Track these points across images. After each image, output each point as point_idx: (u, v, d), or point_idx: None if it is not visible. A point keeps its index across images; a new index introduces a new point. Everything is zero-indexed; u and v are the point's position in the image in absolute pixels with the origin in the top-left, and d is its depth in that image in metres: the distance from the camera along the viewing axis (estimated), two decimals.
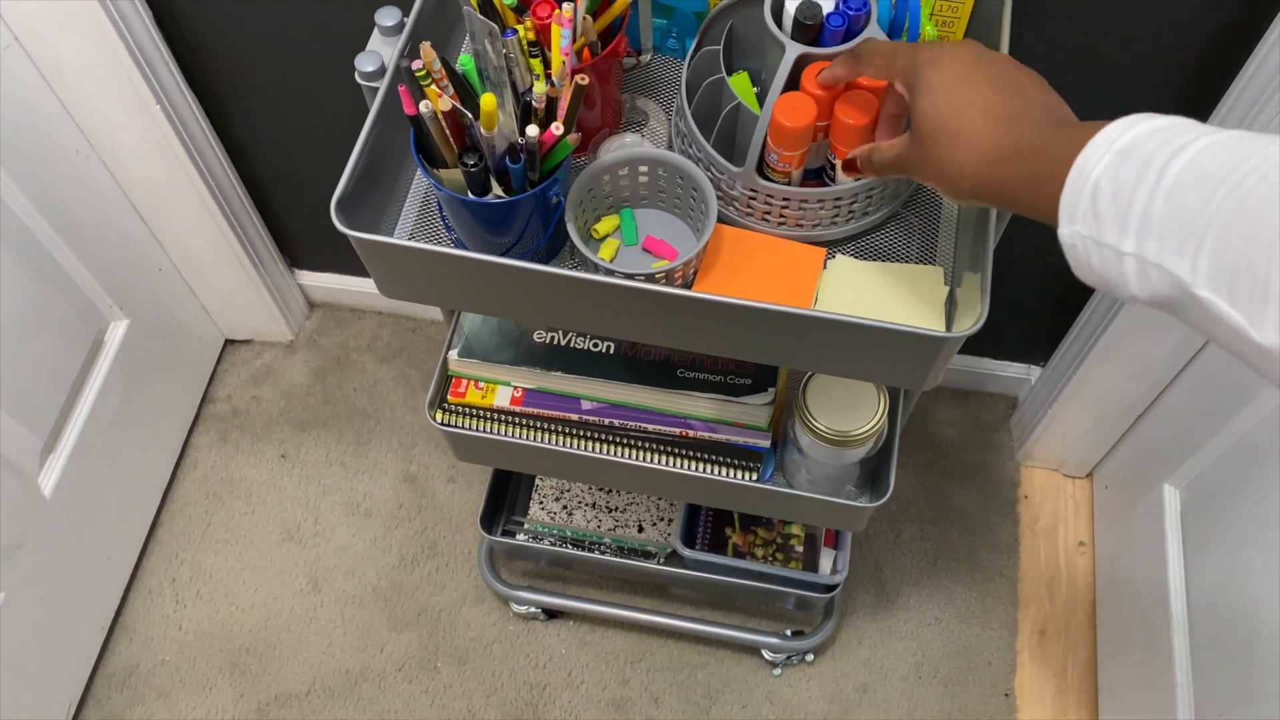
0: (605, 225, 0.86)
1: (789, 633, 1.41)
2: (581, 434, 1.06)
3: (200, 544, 1.55)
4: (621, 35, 0.81)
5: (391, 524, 1.57)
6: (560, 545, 1.38)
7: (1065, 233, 0.52)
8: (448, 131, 0.71)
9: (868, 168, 0.72)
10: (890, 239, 0.85)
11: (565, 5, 0.71)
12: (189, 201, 1.39)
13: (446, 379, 1.07)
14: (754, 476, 1.04)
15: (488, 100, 0.72)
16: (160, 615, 1.50)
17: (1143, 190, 0.47)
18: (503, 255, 0.80)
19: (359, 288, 1.70)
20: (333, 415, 1.65)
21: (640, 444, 1.05)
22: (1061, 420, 1.47)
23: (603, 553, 1.37)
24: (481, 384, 1.07)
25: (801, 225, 0.83)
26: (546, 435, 1.06)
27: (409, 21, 0.83)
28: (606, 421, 1.05)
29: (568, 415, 1.05)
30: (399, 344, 1.71)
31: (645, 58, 0.93)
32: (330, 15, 1.17)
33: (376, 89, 0.81)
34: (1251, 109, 0.96)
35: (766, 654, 1.43)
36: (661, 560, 1.36)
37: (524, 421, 1.06)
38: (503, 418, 1.06)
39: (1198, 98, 1.04)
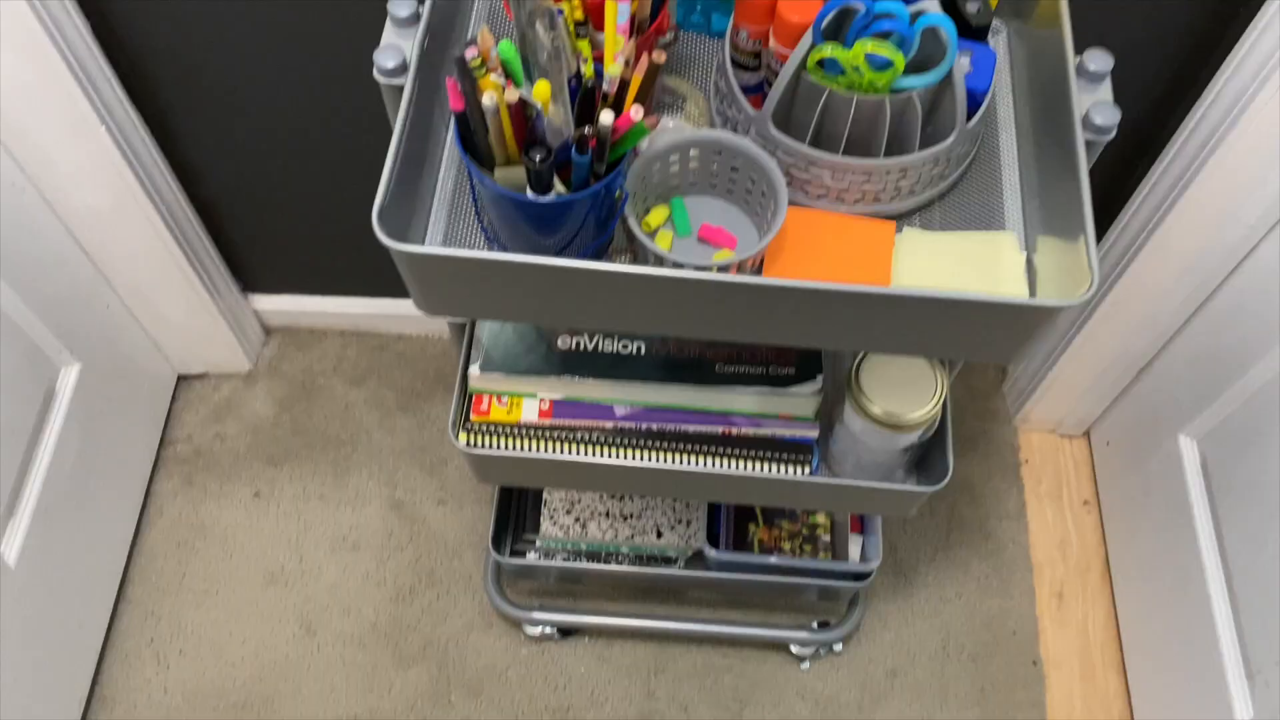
0: (655, 217, 0.79)
1: (815, 625, 1.37)
2: (618, 442, 0.99)
3: (176, 598, 1.44)
4: (665, 10, 0.74)
5: (383, 555, 1.48)
6: (575, 560, 1.31)
7: None
8: (508, 126, 0.64)
9: None
10: (954, 207, 0.81)
11: None
12: (137, 228, 1.28)
13: (467, 397, 1.00)
14: (805, 470, 0.98)
15: (541, 88, 0.65)
16: (141, 680, 1.39)
17: None
18: (570, 235, 0.73)
19: (318, 308, 1.59)
20: (305, 446, 1.55)
21: (681, 447, 0.99)
22: (1061, 381, 1.46)
23: (620, 563, 1.31)
24: (505, 398, 0.99)
25: (861, 200, 0.78)
26: (580, 447, 0.99)
27: (425, 10, 0.75)
28: (643, 427, 0.99)
29: (601, 424, 0.99)
30: (367, 364, 1.62)
31: (670, 35, 0.87)
32: (279, 21, 1.08)
33: (400, 86, 0.73)
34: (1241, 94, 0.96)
35: (794, 648, 1.38)
36: (683, 564, 1.31)
37: (555, 435, 0.99)
38: (532, 433, 0.99)
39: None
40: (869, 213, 0.79)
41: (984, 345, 0.73)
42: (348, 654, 1.41)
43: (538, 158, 0.64)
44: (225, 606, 1.43)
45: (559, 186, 0.68)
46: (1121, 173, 1.22)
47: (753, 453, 0.99)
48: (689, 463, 0.99)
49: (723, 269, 0.72)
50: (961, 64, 0.75)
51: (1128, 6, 1.00)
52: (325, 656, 1.40)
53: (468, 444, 0.99)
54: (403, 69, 0.74)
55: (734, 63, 0.77)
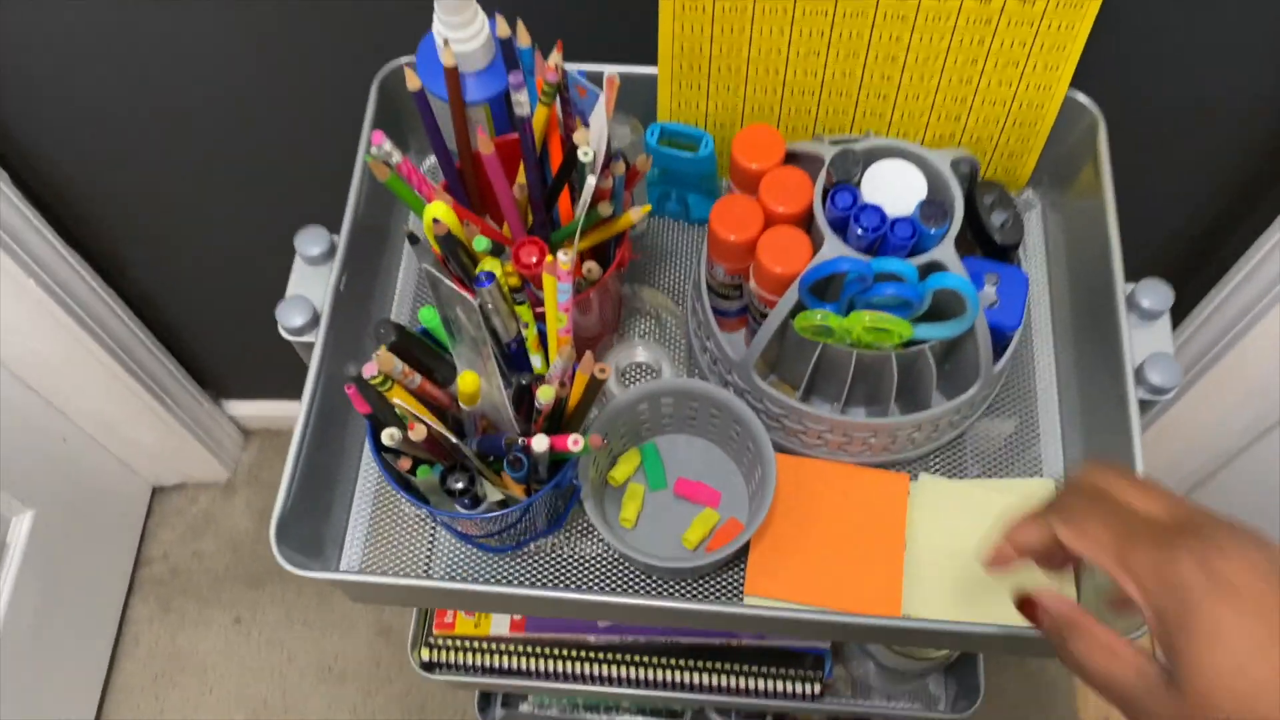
0: (624, 467, 0.67)
1: None
2: (601, 657, 0.88)
3: None
4: (625, 243, 0.62)
5: (370, 687, 1.38)
6: (571, 714, 1.20)
7: None
8: (421, 451, 0.52)
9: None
10: (980, 447, 0.68)
11: (561, 256, 0.52)
12: (87, 368, 1.17)
13: (429, 608, 0.88)
14: (816, 688, 0.86)
15: (467, 381, 0.53)
16: None
17: None
18: (504, 529, 0.61)
19: (297, 409, 1.48)
20: None
21: (675, 662, 0.87)
22: None
23: (620, 716, 1.20)
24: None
25: (869, 448, 0.65)
26: (558, 663, 0.88)
27: (340, 246, 0.63)
28: (629, 640, 0.87)
29: (582, 637, 0.87)
30: None
31: (641, 226, 0.74)
32: (220, 140, 0.96)
33: (311, 345, 0.61)
34: None
35: None
36: (691, 718, 1.20)
37: (528, 650, 0.88)
38: (502, 648, 0.88)
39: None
40: (877, 463, 0.66)
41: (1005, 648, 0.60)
42: None
43: (457, 487, 0.52)
44: None
45: (493, 494, 0.56)
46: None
47: (757, 668, 0.87)
48: (682, 678, 0.87)
49: (699, 568, 0.59)
50: (986, 295, 0.62)
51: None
52: None
53: (427, 662, 0.87)
54: (313, 324, 0.62)
55: (710, 289, 0.64)
